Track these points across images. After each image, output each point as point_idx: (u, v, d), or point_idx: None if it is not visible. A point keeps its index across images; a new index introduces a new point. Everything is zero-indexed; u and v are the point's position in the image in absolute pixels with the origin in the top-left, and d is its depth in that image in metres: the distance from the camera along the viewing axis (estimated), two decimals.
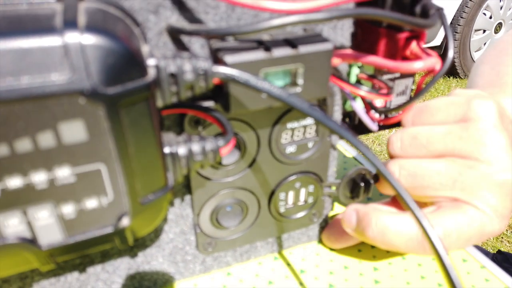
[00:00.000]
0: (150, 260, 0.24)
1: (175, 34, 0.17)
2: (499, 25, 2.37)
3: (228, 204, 0.23)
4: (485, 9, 2.25)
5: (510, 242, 1.22)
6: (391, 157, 0.24)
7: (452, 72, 2.39)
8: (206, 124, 0.20)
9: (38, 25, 0.12)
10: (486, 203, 0.21)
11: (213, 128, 0.20)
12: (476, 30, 2.30)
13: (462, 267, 0.26)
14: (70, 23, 0.12)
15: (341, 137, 0.16)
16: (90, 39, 0.12)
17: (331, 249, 0.28)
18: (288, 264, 0.27)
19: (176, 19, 0.17)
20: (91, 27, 0.12)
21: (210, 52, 0.18)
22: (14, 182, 0.12)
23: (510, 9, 2.34)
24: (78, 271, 0.22)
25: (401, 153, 0.24)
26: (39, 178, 0.13)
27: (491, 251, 1.17)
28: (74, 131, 0.12)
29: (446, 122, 0.23)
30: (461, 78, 2.39)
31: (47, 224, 0.14)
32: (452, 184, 0.22)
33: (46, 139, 0.12)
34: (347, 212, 0.24)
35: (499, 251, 0.67)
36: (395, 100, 0.27)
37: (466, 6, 2.18)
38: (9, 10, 0.12)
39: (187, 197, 0.22)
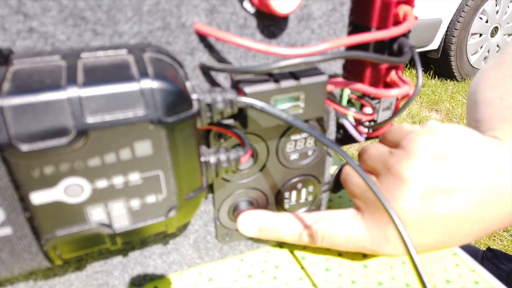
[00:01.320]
0: (179, 247, 0.29)
1: (206, 70, 0.22)
2: (495, 29, 2.42)
3: (243, 201, 0.28)
4: (481, 14, 2.30)
5: (501, 241, 1.27)
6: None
7: (449, 75, 2.45)
8: (227, 137, 0.25)
9: (122, 74, 0.17)
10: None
11: (232, 140, 0.25)
12: (472, 34, 2.35)
13: (455, 271, 0.30)
14: (144, 73, 0.17)
15: (327, 146, 0.21)
16: (157, 85, 0.17)
17: None
18: (291, 252, 0.32)
19: (206, 58, 0.22)
20: (156, 75, 0.17)
21: (231, 82, 0.23)
22: (101, 184, 0.18)
23: (506, 13, 2.39)
24: (122, 255, 0.27)
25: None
26: (118, 181, 0.18)
27: (483, 249, 1.22)
28: (144, 148, 0.17)
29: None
30: (458, 81, 2.45)
31: (119, 214, 0.19)
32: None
33: (125, 153, 0.17)
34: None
35: (489, 248, 0.71)
36: (382, 115, 0.32)
37: (462, 11, 2.23)
38: (96, 61, 0.18)
39: (209, 196, 0.28)
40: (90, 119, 0.16)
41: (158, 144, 0.18)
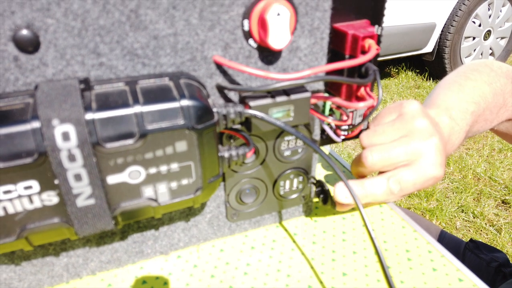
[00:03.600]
0: (197, 224, 0.37)
1: (221, 89, 0.30)
2: (488, 32, 2.50)
3: (247, 188, 0.36)
4: (474, 18, 2.38)
5: (487, 234, 1.35)
6: (363, 148, 0.38)
7: (443, 77, 2.52)
8: (235, 138, 0.33)
9: (167, 96, 0.25)
10: (427, 158, 0.36)
11: (239, 140, 0.33)
12: (466, 37, 2.43)
13: (413, 244, 0.39)
14: (182, 95, 0.25)
15: (307, 145, 0.29)
16: (191, 103, 0.25)
17: (315, 221, 0.41)
18: (286, 230, 0.40)
19: (221, 80, 0.30)
20: (190, 96, 0.25)
21: (239, 98, 0.31)
22: (152, 170, 0.26)
23: (498, 17, 2.47)
24: (154, 229, 0.35)
25: (369, 143, 0.38)
26: (163, 168, 0.26)
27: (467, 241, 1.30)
28: (181, 146, 0.25)
29: (391, 119, 0.39)
30: None
31: (163, 192, 0.27)
32: (405, 155, 0.36)
33: (169, 150, 0.25)
34: (338, 188, 0.36)
35: (471, 240, 0.77)
36: (358, 119, 0.40)
37: (456, 15, 2.30)
38: (149, 86, 0.26)
39: (221, 184, 0.36)
40: (149, 127, 0.24)
41: (191, 143, 0.26)
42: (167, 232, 0.36)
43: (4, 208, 0.23)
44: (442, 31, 2.36)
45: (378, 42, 0.34)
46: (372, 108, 0.33)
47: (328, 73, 0.32)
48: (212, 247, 0.38)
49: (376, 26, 0.35)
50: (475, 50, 2.51)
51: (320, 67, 0.30)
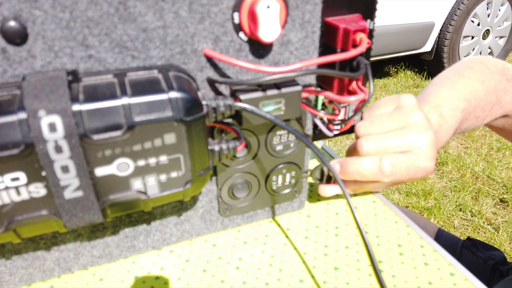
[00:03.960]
0: (189, 219, 0.37)
1: (212, 82, 0.30)
2: (487, 31, 2.50)
3: (239, 183, 0.36)
4: (473, 17, 2.38)
5: (484, 233, 1.35)
6: (357, 138, 0.38)
7: None
8: (227, 132, 0.33)
9: (156, 88, 0.25)
10: (421, 150, 0.37)
11: (231, 135, 0.33)
12: (464, 37, 2.43)
13: (406, 238, 0.39)
14: (170, 87, 0.25)
15: (299, 140, 0.29)
16: (179, 95, 0.25)
17: (308, 216, 0.41)
18: (279, 225, 0.40)
19: (212, 74, 0.30)
20: (179, 88, 0.25)
21: (230, 91, 0.31)
22: (141, 163, 0.25)
23: (497, 16, 2.47)
24: (146, 224, 0.35)
25: (365, 132, 0.38)
26: (152, 160, 0.26)
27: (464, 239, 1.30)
28: (170, 138, 0.25)
29: (388, 111, 0.39)
30: None
31: (152, 185, 0.27)
32: (400, 145, 0.37)
33: (157, 142, 0.25)
34: (332, 163, 0.38)
35: (468, 238, 0.77)
36: (351, 114, 0.40)
37: (455, 14, 2.30)
38: (138, 78, 0.25)
39: (213, 178, 0.36)
40: (136, 118, 0.24)
41: (180, 136, 0.26)
42: (159, 227, 0.36)
43: None
44: (440, 30, 2.36)
45: (370, 36, 0.34)
46: (363, 102, 0.33)
47: (320, 66, 0.32)
48: (205, 242, 0.38)
49: (368, 21, 0.35)
50: (473, 49, 2.51)
51: (311, 60, 0.30)
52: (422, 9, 2.23)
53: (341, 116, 0.35)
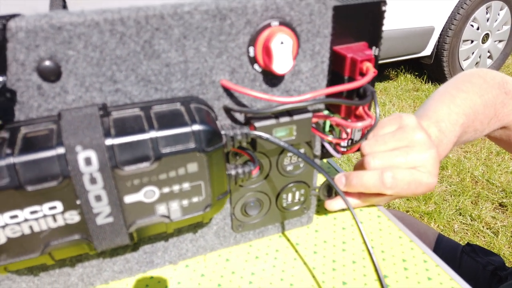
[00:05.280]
0: (204, 235, 0.39)
1: (228, 111, 0.32)
2: (486, 35, 2.52)
3: (252, 201, 0.38)
4: (472, 21, 2.41)
5: (484, 237, 1.37)
6: (362, 156, 0.41)
7: (442, 79, 2.55)
8: (241, 155, 0.35)
9: (180, 121, 0.27)
10: (425, 168, 0.39)
11: (245, 157, 0.35)
12: (464, 41, 2.45)
13: (409, 253, 0.41)
14: (193, 120, 0.27)
15: (308, 164, 0.31)
16: (202, 127, 0.27)
17: (316, 231, 0.43)
18: (288, 240, 0.42)
19: (228, 102, 0.32)
20: (201, 121, 0.27)
21: (245, 118, 0.33)
22: (166, 190, 0.28)
23: (496, 20, 2.49)
24: (164, 241, 0.37)
25: (370, 151, 0.41)
26: (176, 188, 0.28)
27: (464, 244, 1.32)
28: (193, 167, 0.27)
29: (391, 130, 0.42)
30: None
31: (175, 209, 0.29)
32: (405, 162, 0.39)
33: (181, 171, 0.27)
34: (337, 176, 0.41)
35: (468, 244, 0.78)
36: (358, 134, 0.42)
37: (454, 19, 2.33)
38: (162, 111, 0.27)
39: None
40: (163, 150, 0.26)
41: (201, 165, 0.28)
42: (176, 243, 0.38)
43: (31, 227, 0.25)
44: (440, 34, 2.38)
45: (375, 65, 0.36)
46: (370, 127, 0.35)
47: (329, 95, 0.34)
48: (218, 256, 0.40)
49: (374, 47, 0.37)
50: (473, 53, 2.54)
51: (321, 90, 0.32)
52: (422, 14, 2.25)
53: (347, 138, 0.37)
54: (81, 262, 0.35)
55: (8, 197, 0.24)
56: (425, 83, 2.62)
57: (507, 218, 1.45)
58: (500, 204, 1.53)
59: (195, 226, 0.38)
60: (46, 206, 0.25)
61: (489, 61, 2.65)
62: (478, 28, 2.45)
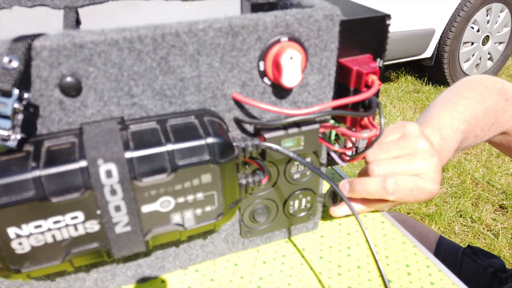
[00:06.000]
0: (213, 241, 0.40)
1: (238, 122, 0.34)
2: (487, 37, 2.53)
3: (260, 208, 0.40)
4: (473, 23, 2.42)
5: (484, 239, 1.38)
6: (366, 163, 0.42)
7: (442, 81, 2.56)
8: (250, 164, 0.36)
9: (194, 134, 0.28)
10: (427, 175, 0.40)
11: (254, 166, 0.36)
12: (464, 43, 2.47)
13: (413, 258, 0.42)
14: (207, 133, 0.28)
15: (313, 172, 0.33)
16: (215, 140, 0.28)
17: (322, 236, 0.44)
18: (294, 245, 0.43)
19: (239, 114, 0.34)
20: (214, 134, 0.28)
21: (255, 129, 0.34)
22: (181, 200, 0.29)
23: (496, 23, 2.50)
24: (175, 247, 0.38)
25: (374, 159, 0.42)
26: (190, 197, 0.29)
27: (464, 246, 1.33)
28: (206, 178, 0.29)
29: (394, 138, 0.43)
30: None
31: (189, 218, 0.30)
32: (408, 170, 0.41)
33: (195, 181, 0.28)
34: (342, 183, 0.43)
35: (468, 246, 0.79)
36: (363, 143, 0.43)
37: (455, 21, 2.34)
38: (177, 124, 0.29)
39: None
40: (179, 162, 0.27)
41: (215, 176, 0.29)
42: (186, 248, 0.39)
43: (53, 236, 0.26)
44: (441, 36, 2.39)
45: (380, 77, 0.37)
46: (375, 137, 0.36)
47: (335, 107, 0.35)
48: (227, 261, 0.41)
49: (378, 59, 0.38)
50: (473, 55, 2.55)
51: (328, 103, 0.33)
52: (423, 17, 2.26)
53: (352, 147, 0.39)
54: (96, 268, 0.36)
55: (33, 208, 0.25)
56: (426, 85, 2.64)
57: (507, 220, 1.46)
58: (501, 206, 1.54)
59: (205, 233, 0.39)
60: (68, 216, 0.26)
61: (489, 63, 2.66)
62: (478, 30, 2.47)
